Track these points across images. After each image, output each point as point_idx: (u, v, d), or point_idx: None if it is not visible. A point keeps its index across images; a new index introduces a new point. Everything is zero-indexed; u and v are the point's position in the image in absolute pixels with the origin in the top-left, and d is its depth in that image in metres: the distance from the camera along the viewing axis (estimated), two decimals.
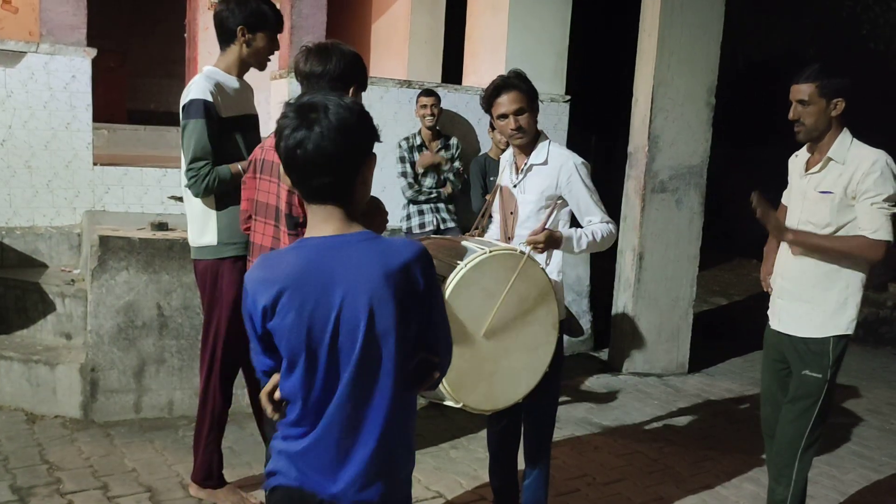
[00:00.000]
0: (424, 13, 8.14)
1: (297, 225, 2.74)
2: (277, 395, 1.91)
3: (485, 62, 6.84)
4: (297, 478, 1.86)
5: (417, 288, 1.82)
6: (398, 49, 8.33)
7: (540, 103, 3.24)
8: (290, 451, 1.86)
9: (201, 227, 3.49)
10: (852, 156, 3.08)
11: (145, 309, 4.55)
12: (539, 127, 3.22)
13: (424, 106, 5.66)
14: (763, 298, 3.53)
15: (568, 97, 6.62)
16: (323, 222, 1.82)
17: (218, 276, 3.48)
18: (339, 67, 2.75)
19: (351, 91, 2.81)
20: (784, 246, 3.33)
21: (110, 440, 4.29)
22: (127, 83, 10.97)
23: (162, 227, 4.80)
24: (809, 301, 3.20)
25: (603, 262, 6.42)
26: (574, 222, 3.26)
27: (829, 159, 3.12)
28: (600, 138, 11.63)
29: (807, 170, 3.25)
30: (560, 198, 3.18)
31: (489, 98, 3.11)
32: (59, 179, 5.45)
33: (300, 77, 2.81)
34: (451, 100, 6.19)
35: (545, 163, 3.17)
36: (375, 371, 1.81)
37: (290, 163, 1.78)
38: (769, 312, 3.43)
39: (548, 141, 3.22)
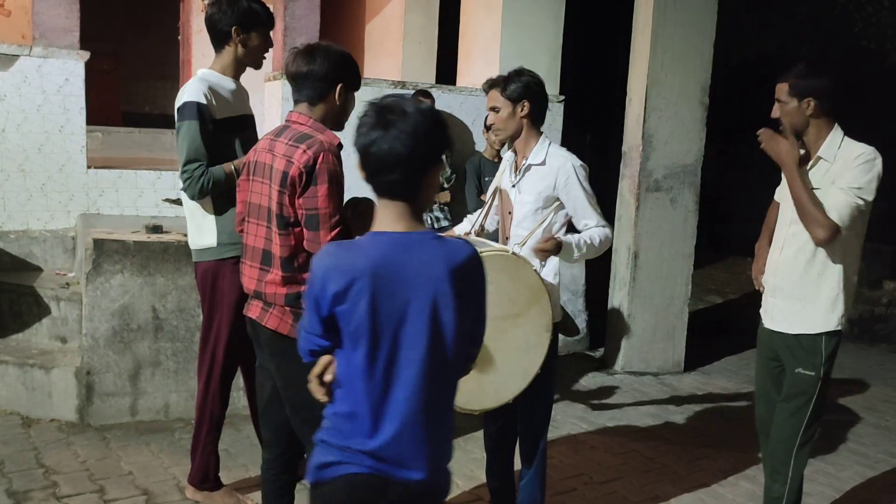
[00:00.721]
0: (418, 14, 8.14)
1: (287, 225, 2.74)
2: (328, 377, 2.02)
3: (479, 62, 6.84)
4: (370, 466, 1.93)
5: (474, 285, 1.98)
6: (392, 50, 8.33)
7: None
8: (360, 448, 1.92)
9: (201, 228, 3.49)
10: (841, 153, 3.09)
11: (140, 312, 4.54)
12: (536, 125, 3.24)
13: None
14: (758, 296, 3.54)
15: (562, 97, 6.63)
16: (394, 220, 1.94)
17: (218, 277, 3.48)
18: (323, 67, 2.76)
19: (338, 90, 2.81)
20: (776, 244, 3.34)
21: (106, 443, 4.29)
22: (121, 86, 10.96)
23: (157, 229, 4.79)
24: (802, 298, 3.20)
25: (598, 261, 6.40)
26: (570, 226, 3.26)
27: (819, 158, 3.13)
28: (595, 137, 11.63)
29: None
30: (557, 199, 3.18)
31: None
32: (53, 183, 5.45)
33: (289, 78, 2.83)
34: (446, 100, 6.20)
35: (543, 163, 3.18)
36: (440, 363, 1.93)
37: (363, 159, 1.92)
38: (761, 311, 3.43)
39: (548, 142, 3.23)
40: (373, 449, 1.92)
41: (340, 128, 2.92)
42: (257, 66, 3.61)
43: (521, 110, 3.16)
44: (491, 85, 3.20)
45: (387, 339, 1.89)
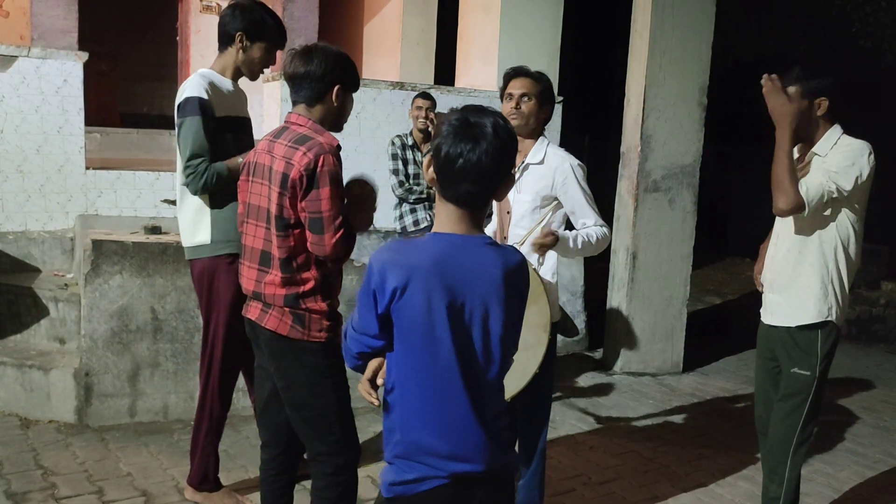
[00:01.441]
0: (416, 14, 8.16)
1: (287, 227, 2.73)
2: (380, 380, 2.07)
3: (477, 63, 6.85)
4: (450, 473, 1.96)
5: (521, 289, 2.04)
6: (390, 50, 8.35)
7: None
8: (433, 452, 1.96)
9: (195, 226, 3.48)
10: (835, 148, 3.10)
11: (139, 313, 4.54)
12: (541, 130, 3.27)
13: (420, 108, 5.66)
14: (756, 297, 3.55)
15: (560, 97, 6.63)
16: (455, 222, 1.97)
17: (214, 276, 3.48)
18: (320, 68, 2.76)
19: (335, 91, 2.81)
20: (773, 240, 3.35)
21: (105, 444, 4.29)
22: (119, 87, 10.97)
23: (155, 230, 4.79)
24: (794, 290, 3.20)
25: (597, 262, 6.43)
26: (568, 225, 3.27)
27: (814, 154, 3.15)
28: (593, 138, 11.65)
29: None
30: (555, 199, 3.19)
31: (504, 80, 3.27)
32: (51, 184, 5.44)
33: (286, 79, 2.84)
34: (445, 101, 6.20)
35: (541, 162, 3.20)
36: (488, 360, 1.98)
37: (445, 169, 1.92)
38: (761, 309, 3.44)
39: (546, 142, 3.26)
40: (444, 452, 1.95)
41: (339, 129, 2.92)
42: (252, 77, 3.60)
43: (545, 113, 3.21)
44: (524, 73, 3.21)
45: (440, 337, 1.92)
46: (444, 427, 1.95)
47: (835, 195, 3.00)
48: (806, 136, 3.17)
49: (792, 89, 3.12)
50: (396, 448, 2.00)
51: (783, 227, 3.27)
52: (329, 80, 2.80)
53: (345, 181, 2.81)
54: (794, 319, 3.21)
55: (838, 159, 3.02)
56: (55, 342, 4.88)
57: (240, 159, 3.34)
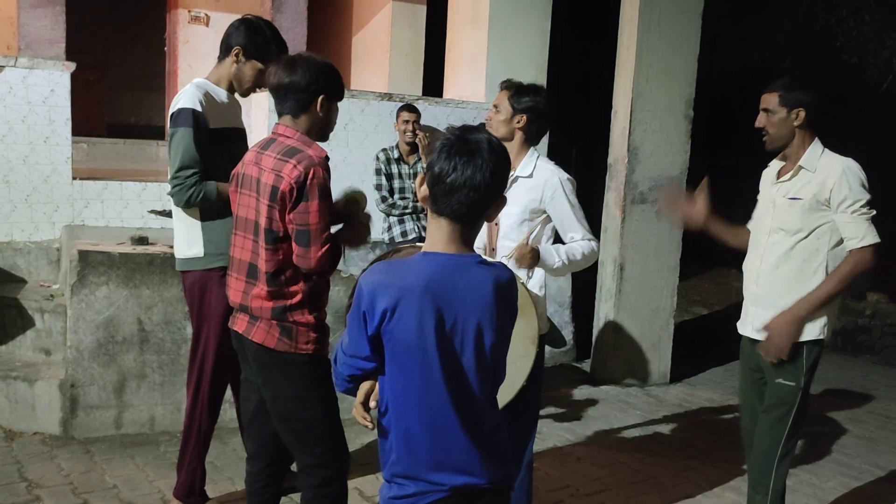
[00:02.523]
0: (405, 26, 8.18)
1: (276, 240, 2.73)
2: (373, 403, 2.08)
3: (465, 75, 6.87)
4: (449, 487, 1.98)
5: (513, 306, 2.07)
6: (379, 62, 8.36)
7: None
8: (432, 468, 1.98)
9: (188, 238, 3.47)
10: (822, 164, 3.14)
11: (126, 324, 4.52)
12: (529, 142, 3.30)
13: (406, 121, 5.67)
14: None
15: None
16: (447, 241, 1.98)
17: (206, 289, 3.46)
18: (304, 79, 2.76)
19: (320, 101, 2.80)
20: (756, 252, 3.35)
21: (90, 457, 4.26)
22: (106, 97, 10.94)
23: (142, 241, 4.77)
24: (783, 308, 3.22)
25: (584, 273, 6.44)
26: (557, 239, 3.28)
27: (801, 168, 3.18)
28: (581, 150, 11.69)
29: (778, 178, 3.30)
30: (544, 212, 3.21)
31: None
32: (37, 194, 5.42)
33: (271, 90, 2.83)
34: (432, 113, 6.21)
35: (530, 176, 3.21)
36: (483, 378, 2.00)
37: (440, 182, 1.94)
38: (741, 322, 3.44)
39: (536, 155, 3.27)
40: (442, 468, 1.97)
41: (325, 139, 2.91)
42: (242, 93, 3.60)
43: (517, 122, 3.23)
44: (506, 86, 3.28)
45: (431, 358, 1.92)
46: (439, 446, 1.96)
47: (874, 211, 3.07)
48: (781, 145, 3.23)
49: (772, 97, 3.18)
50: (394, 468, 2.00)
51: (767, 241, 3.28)
52: (313, 91, 2.79)
53: (333, 193, 2.81)
54: None
55: (854, 193, 3.05)
56: (41, 353, 4.85)
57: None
